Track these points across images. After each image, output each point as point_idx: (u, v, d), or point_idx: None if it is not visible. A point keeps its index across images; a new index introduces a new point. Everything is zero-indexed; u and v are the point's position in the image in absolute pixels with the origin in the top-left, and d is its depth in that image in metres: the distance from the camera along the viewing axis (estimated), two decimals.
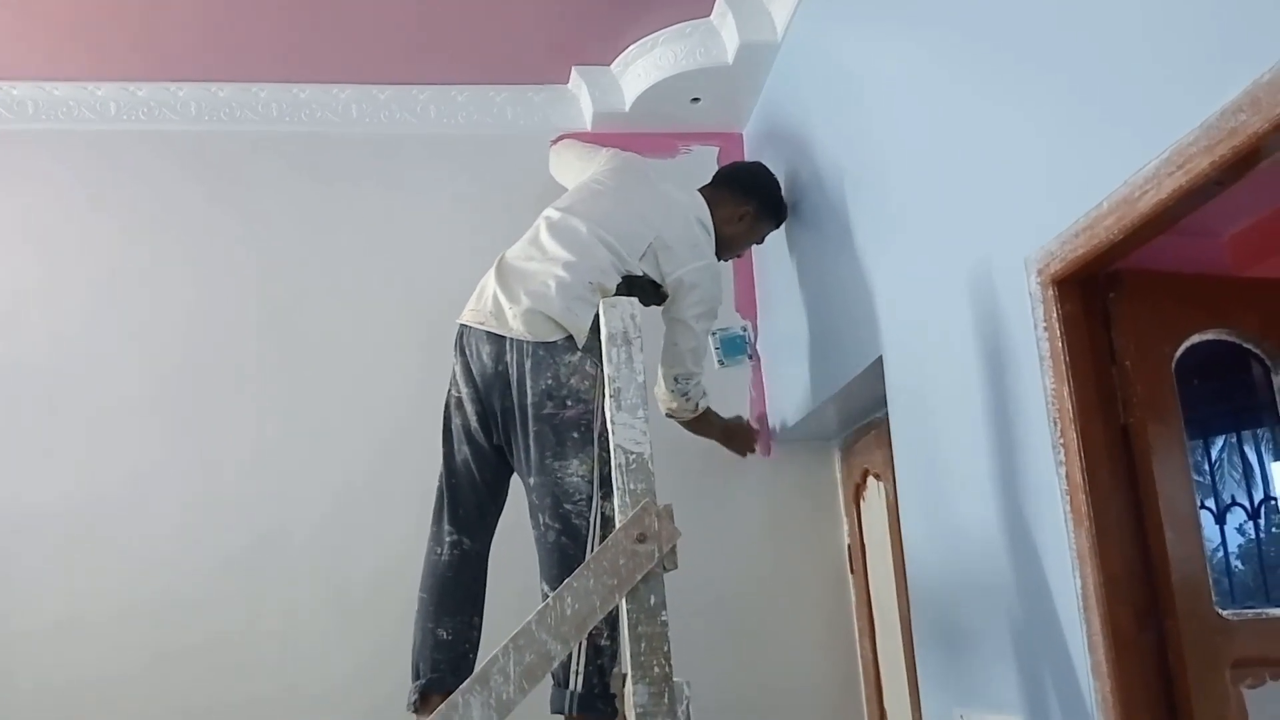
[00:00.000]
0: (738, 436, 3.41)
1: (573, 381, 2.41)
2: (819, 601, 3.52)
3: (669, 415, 3.09)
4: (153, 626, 3.22)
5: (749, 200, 3.09)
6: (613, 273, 2.63)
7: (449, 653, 2.45)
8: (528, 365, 2.45)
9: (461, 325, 2.64)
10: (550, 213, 2.75)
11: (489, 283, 2.62)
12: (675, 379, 2.95)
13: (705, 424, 3.20)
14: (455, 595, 2.51)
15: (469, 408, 2.56)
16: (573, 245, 2.61)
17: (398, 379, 3.49)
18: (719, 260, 2.96)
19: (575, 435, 2.37)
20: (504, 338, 2.51)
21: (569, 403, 2.40)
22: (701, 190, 3.02)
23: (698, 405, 3.07)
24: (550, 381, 2.42)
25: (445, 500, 2.59)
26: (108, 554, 3.27)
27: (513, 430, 2.49)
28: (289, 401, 3.47)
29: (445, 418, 2.63)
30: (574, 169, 3.23)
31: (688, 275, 2.76)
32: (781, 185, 3.27)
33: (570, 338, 2.46)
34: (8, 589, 3.22)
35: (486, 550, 2.60)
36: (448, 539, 2.55)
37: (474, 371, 2.55)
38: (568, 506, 2.34)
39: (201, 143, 3.65)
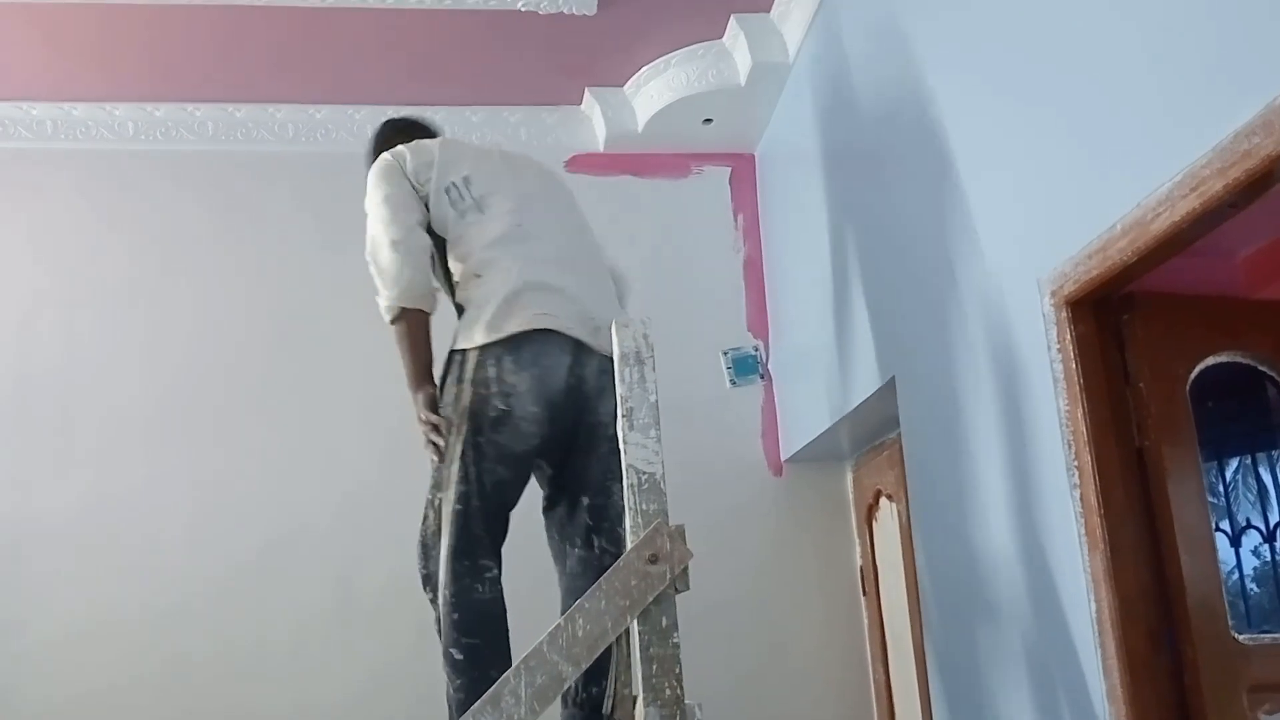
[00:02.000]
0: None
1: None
2: (831, 623, 3.50)
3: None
4: (163, 635, 3.24)
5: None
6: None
7: None
8: (602, 381, 2.24)
9: (534, 330, 2.24)
10: (522, 213, 2.41)
11: (567, 287, 2.33)
12: (625, 283, 2.71)
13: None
14: (506, 635, 2.22)
15: (526, 428, 2.23)
16: (586, 255, 2.49)
17: (406, 392, 3.49)
18: None
19: None
20: (589, 350, 2.27)
21: None
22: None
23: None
24: (613, 401, 2.14)
25: (484, 529, 2.22)
26: (118, 563, 3.30)
27: (574, 448, 2.30)
28: (299, 414, 3.49)
29: (476, 435, 2.22)
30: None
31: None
32: (789, 204, 3.25)
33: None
34: (19, 596, 3.24)
35: None
36: (488, 576, 2.21)
37: (543, 386, 2.24)
38: (619, 530, 2.30)
39: (218, 162, 3.69)
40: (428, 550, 2.28)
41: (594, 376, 2.27)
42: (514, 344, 2.22)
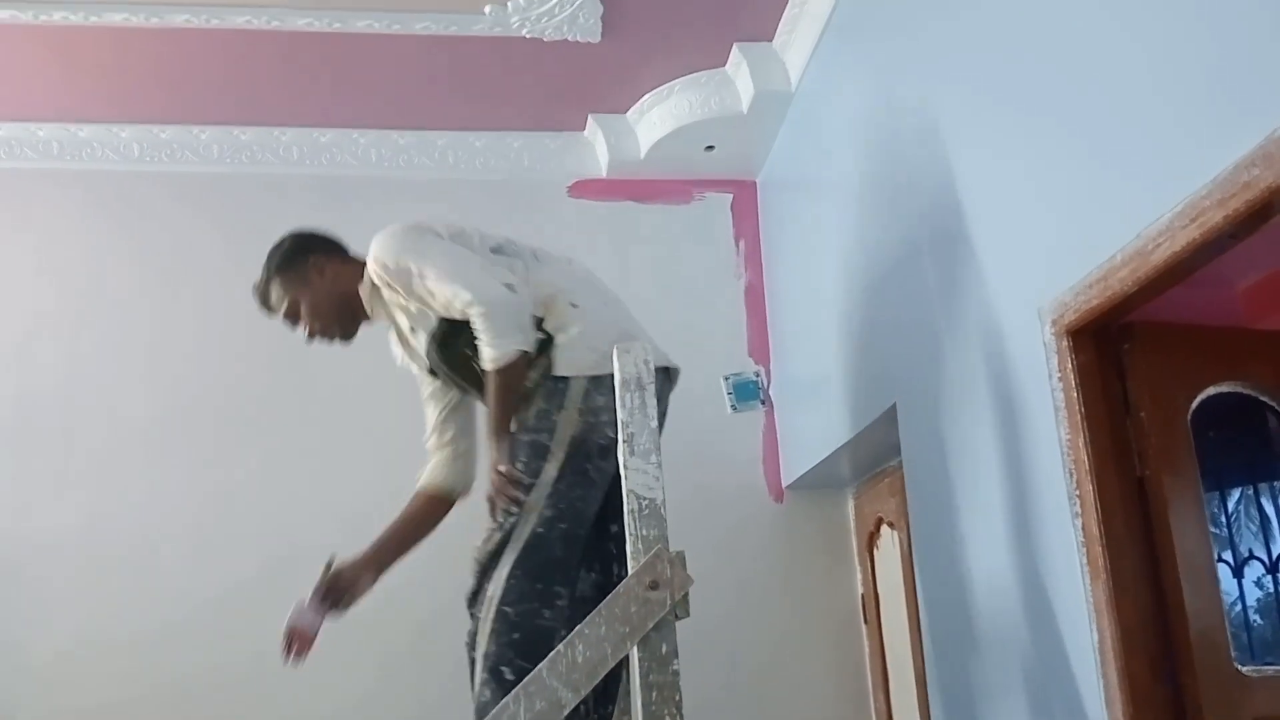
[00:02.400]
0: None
1: None
2: (832, 651, 3.48)
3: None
4: (162, 652, 3.23)
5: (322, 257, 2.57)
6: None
7: None
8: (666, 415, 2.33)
9: (660, 369, 2.21)
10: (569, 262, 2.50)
11: (636, 326, 2.38)
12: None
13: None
14: None
15: (617, 460, 2.17)
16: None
17: (410, 414, 3.50)
18: None
19: None
20: (665, 382, 2.34)
21: None
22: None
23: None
24: None
25: (565, 553, 2.18)
26: (118, 580, 3.29)
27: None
28: (300, 433, 3.50)
29: (585, 462, 2.20)
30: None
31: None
32: (791, 231, 3.25)
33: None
34: (20, 614, 3.24)
35: None
36: (558, 603, 2.16)
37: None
38: None
39: (223, 184, 3.71)
40: (485, 570, 2.20)
41: (666, 412, 2.31)
42: (637, 373, 2.11)
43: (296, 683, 3.23)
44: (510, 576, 2.14)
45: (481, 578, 2.21)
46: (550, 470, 2.19)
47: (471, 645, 2.18)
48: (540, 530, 2.15)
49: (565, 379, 2.23)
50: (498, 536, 2.20)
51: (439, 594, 3.13)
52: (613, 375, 2.11)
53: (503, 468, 2.21)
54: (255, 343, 3.56)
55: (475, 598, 2.21)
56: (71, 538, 3.32)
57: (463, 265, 2.26)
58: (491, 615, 2.13)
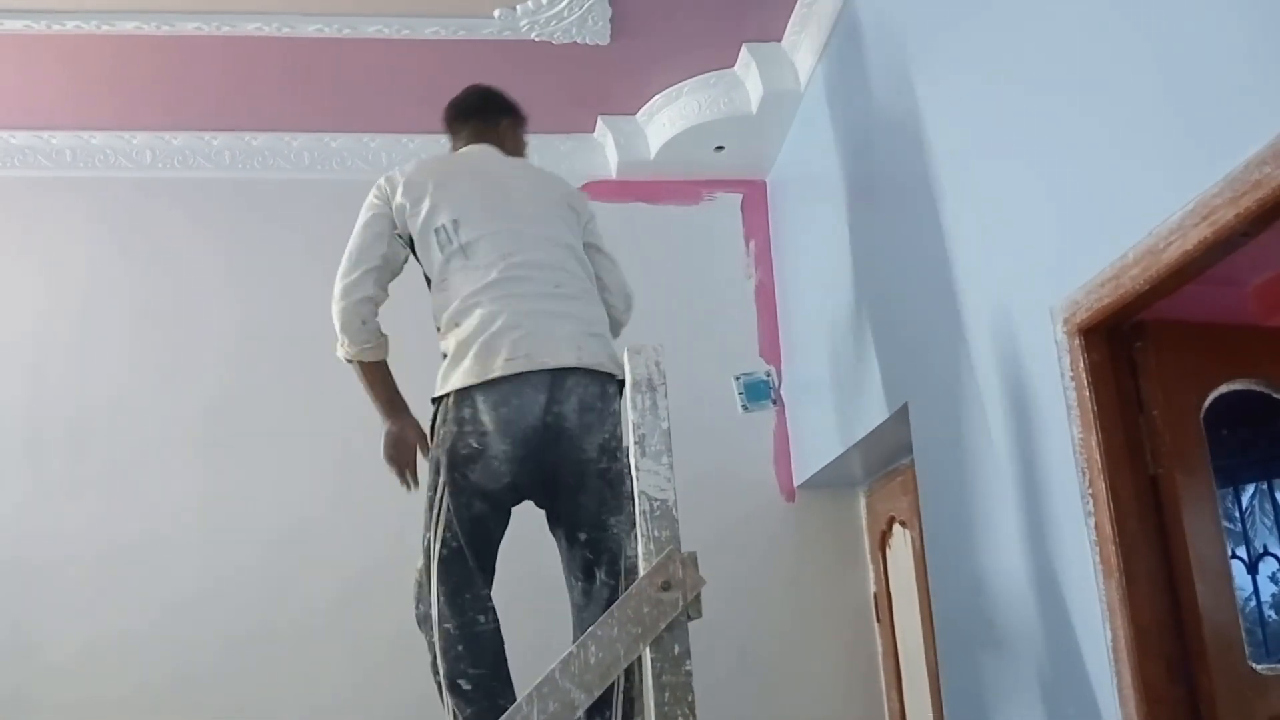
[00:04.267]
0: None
1: (619, 431, 2.32)
2: (845, 651, 3.48)
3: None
4: (171, 650, 3.27)
5: (513, 118, 2.77)
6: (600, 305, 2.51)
7: None
8: (586, 418, 2.28)
9: (488, 381, 2.29)
10: (511, 255, 2.40)
11: (524, 329, 2.31)
12: (628, 297, 2.68)
13: None
14: (506, 663, 2.29)
15: (498, 466, 2.27)
16: (574, 286, 2.43)
17: (426, 426, 3.51)
18: None
19: (625, 487, 2.31)
20: (560, 385, 2.27)
21: (619, 455, 2.32)
22: (497, 145, 2.67)
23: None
24: (606, 435, 2.30)
25: (473, 563, 2.28)
26: (130, 582, 3.32)
27: (559, 485, 2.31)
28: (310, 442, 3.51)
29: (452, 472, 2.27)
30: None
31: (589, 209, 2.64)
32: (801, 231, 3.26)
33: (620, 384, 2.33)
34: (36, 613, 3.28)
35: None
36: (488, 605, 2.28)
37: (514, 426, 2.26)
38: (623, 562, 2.31)
39: (235, 190, 3.73)
40: (421, 590, 2.32)
41: (574, 414, 2.27)
42: (489, 386, 2.27)
43: (299, 677, 3.28)
44: (438, 595, 2.25)
45: (419, 599, 2.34)
46: (439, 485, 2.29)
47: (434, 669, 2.28)
48: (446, 549, 2.26)
49: (442, 397, 2.32)
50: (422, 557, 2.33)
51: None
52: (479, 385, 2.27)
53: (384, 453, 2.54)
54: (266, 348, 3.59)
55: (422, 620, 2.33)
56: (83, 541, 3.34)
57: (351, 245, 2.49)
58: (437, 635, 2.25)
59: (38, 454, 3.43)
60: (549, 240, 2.47)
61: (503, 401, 2.26)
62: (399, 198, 2.44)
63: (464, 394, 2.28)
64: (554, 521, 2.39)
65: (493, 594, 2.31)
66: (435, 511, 2.29)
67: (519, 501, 2.37)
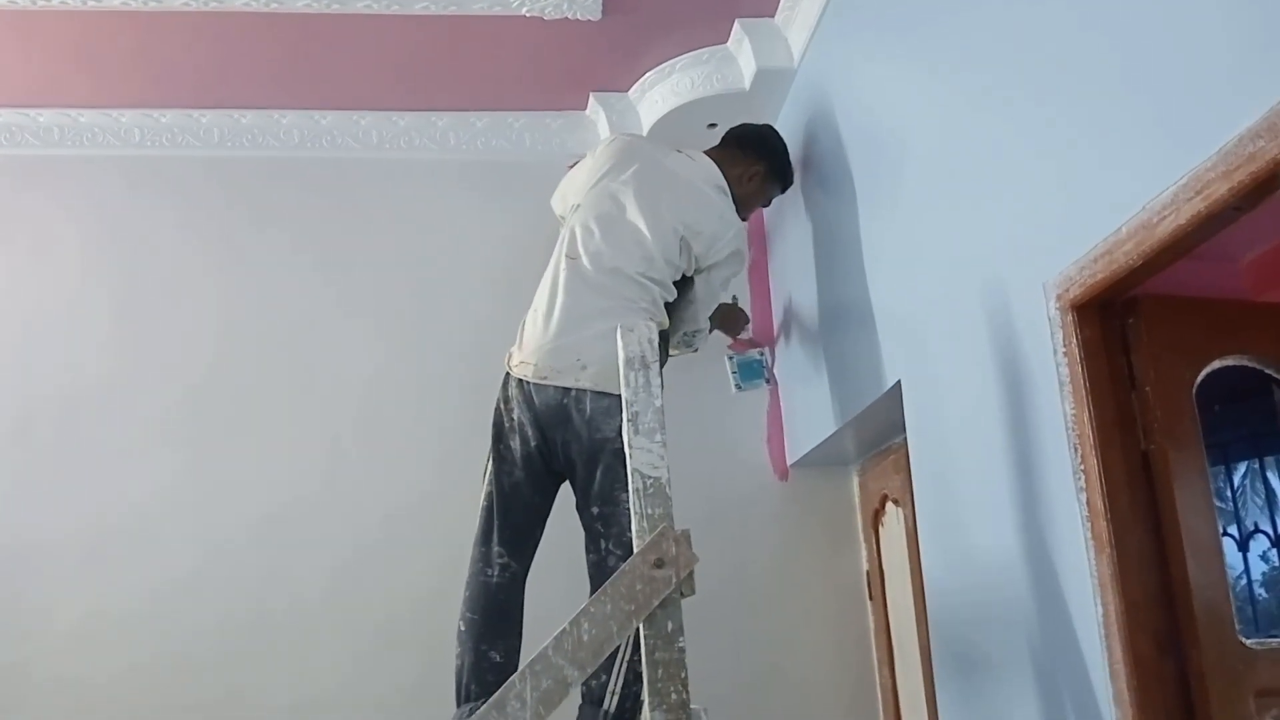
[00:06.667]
0: (728, 320, 3.41)
1: None
2: (837, 628, 3.49)
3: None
4: (163, 633, 3.26)
5: (760, 160, 3.07)
6: (659, 311, 2.67)
7: (501, 675, 2.33)
8: (596, 410, 2.46)
9: (517, 377, 2.59)
10: (582, 257, 2.65)
11: (541, 338, 2.57)
12: (688, 334, 2.94)
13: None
14: (507, 617, 2.48)
15: (530, 432, 2.53)
16: (618, 297, 2.58)
17: (416, 408, 3.51)
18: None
19: None
20: (568, 389, 2.50)
21: None
22: (710, 152, 2.99)
23: (697, 348, 3.08)
24: (620, 418, 2.34)
25: (496, 521, 2.53)
26: (123, 567, 3.32)
27: (577, 461, 2.49)
28: (303, 429, 3.50)
29: (497, 438, 2.59)
30: (577, 181, 2.97)
31: (724, 246, 2.80)
32: (794, 208, 3.26)
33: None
34: (31, 598, 3.28)
35: (526, 574, 2.58)
36: (498, 561, 2.50)
37: (536, 403, 2.52)
38: (628, 535, 2.34)
39: (224, 168, 3.70)
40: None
41: (590, 406, 2.47)
42: (508, 374, 2.63)
43: (291, 656, 3.29)
44: (472, 545, 2.56)
45: None
46: (488, 452, 2.62)
47: None
48: (484, 503, 2.57)
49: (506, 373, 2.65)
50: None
51: (426, 578, 3.18)
52: (510, 370, 2.60)
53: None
54: (260, 327, 3.57)
55: None
56: (73, 523, 3.33)
57: None
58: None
59: (26, 436, 3.41)
60: (633, 262, 2.69)
61: (527, 389, 2.56)
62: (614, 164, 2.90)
63: (507, 376, 2.63)
64: (577, 497, 2.56)
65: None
66: (484, 474, 2.60)
67: (555, 475, 2.58)
